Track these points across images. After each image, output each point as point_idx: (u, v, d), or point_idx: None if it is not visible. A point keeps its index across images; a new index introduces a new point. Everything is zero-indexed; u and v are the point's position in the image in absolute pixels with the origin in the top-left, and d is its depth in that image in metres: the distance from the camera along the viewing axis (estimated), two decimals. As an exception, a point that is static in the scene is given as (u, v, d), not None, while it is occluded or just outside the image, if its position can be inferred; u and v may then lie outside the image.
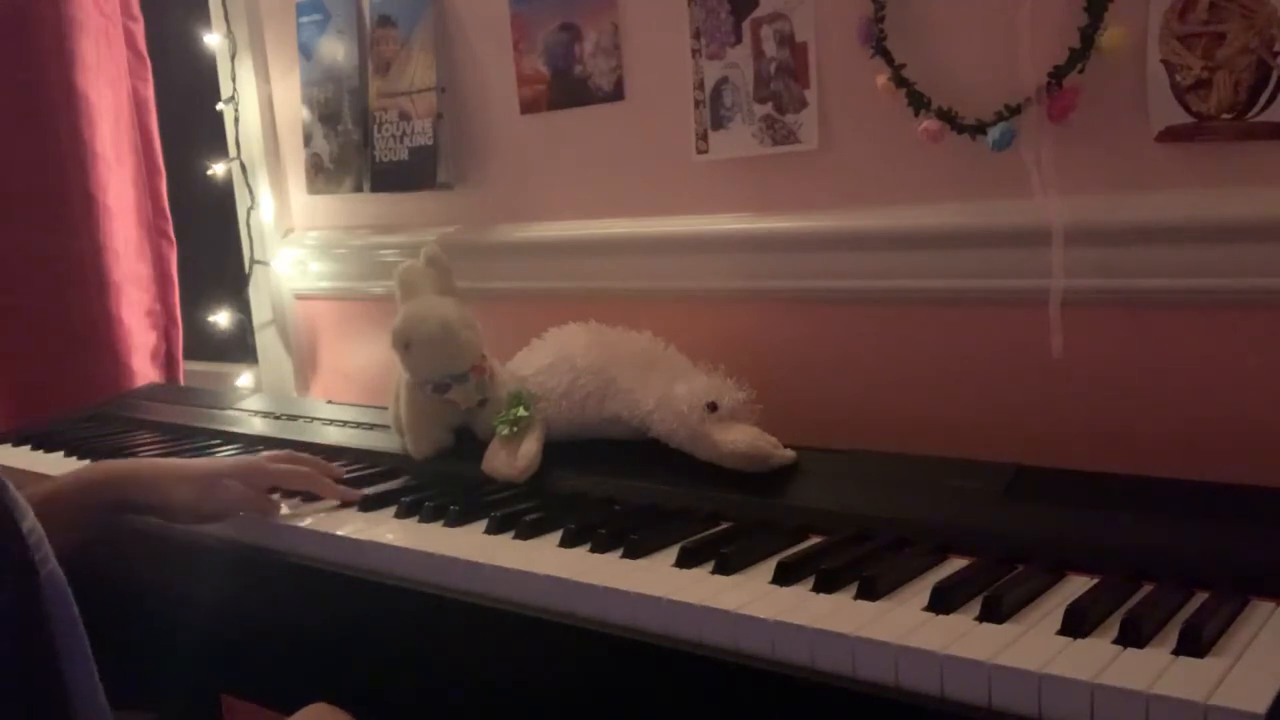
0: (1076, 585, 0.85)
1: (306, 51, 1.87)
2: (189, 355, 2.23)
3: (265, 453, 1.25)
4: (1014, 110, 1.16)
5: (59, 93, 2.01)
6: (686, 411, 1.16)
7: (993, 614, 0.79)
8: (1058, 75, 1.13)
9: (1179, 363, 1.14)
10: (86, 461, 1.51)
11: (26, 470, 1.50)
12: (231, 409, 1.75)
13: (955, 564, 0.92)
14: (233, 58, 1.98)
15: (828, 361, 1.37)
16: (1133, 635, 0.74)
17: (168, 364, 2.18)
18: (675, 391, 1.18)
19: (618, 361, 1.26)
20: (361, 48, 1.79)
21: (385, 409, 1.41)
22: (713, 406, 1.15)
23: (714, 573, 0.93)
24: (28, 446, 1.64)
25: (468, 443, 1.33)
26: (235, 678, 1.34)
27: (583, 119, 1.55)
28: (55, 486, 1.14)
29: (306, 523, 1.15)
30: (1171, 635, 0.74)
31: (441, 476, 1.27)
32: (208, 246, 2.20)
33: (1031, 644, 0.75)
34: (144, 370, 2.12)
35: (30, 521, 0.74)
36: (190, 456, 1.45)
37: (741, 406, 1.17)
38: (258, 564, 1.17)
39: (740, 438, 1.13)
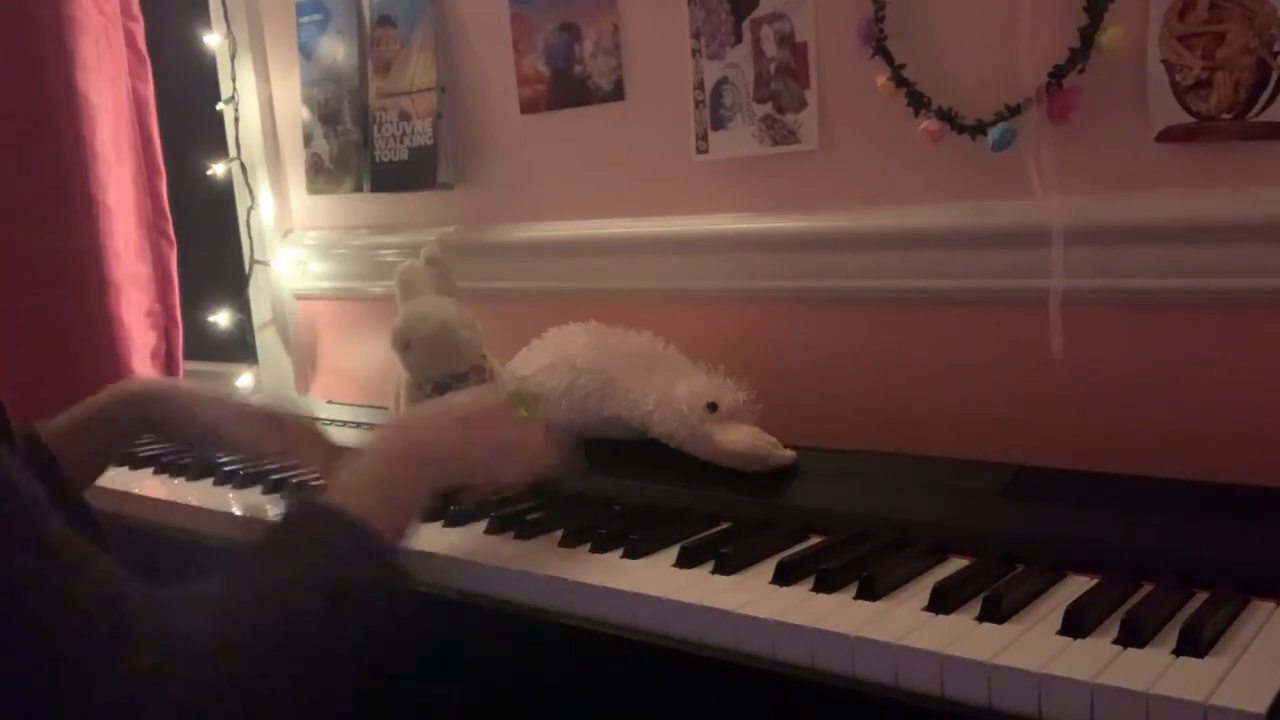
0: (1076, 585, 0.85)
1: (306, 51, 1.87)
2: (189, 355, 2.22)
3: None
4: (1014, 110, 1.16)
5: (59, 93, 2.01)
6: (686, 411, 1.16)
7: (993, 614, 0.79)
8: (1058, 75, 1.13)
9: (1179, 363, 1.14)
10: (86, 461, 1.51)
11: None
12: (231, 409, 1.75)
13: (955, 564, 0.92)
14: (233, 58, 1.98)
15: (828, 361, 1.37)
16: (1133, 635, 0.74)
17: (168, 364, 2.18)
18: (675, 391, 1.18)
19: (618, 361, 1.26)
20: (361, 48, 1.79)
21: (385, 409, 1.41)
22: (713, 406, 1.15)
23: (714, 573, 0.93)
24: (28, 446, 1.64)
25: (468, 443, 1.32)
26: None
27: (583, 119, 1.55)
28: (84, 415, 1.12)
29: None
30: (1171, 635, 0.74)
31: (441, 476, 1.26)
32: (208, 246, 2.20)
33: (1031, 644, 0.75)
34: (144, 370, 2.12)
35: None
36: (191, 457, 1.45)
37: (741, 406, 1.17)
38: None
39: (740, 438, 1.13)
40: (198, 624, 0.68)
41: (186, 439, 1.16)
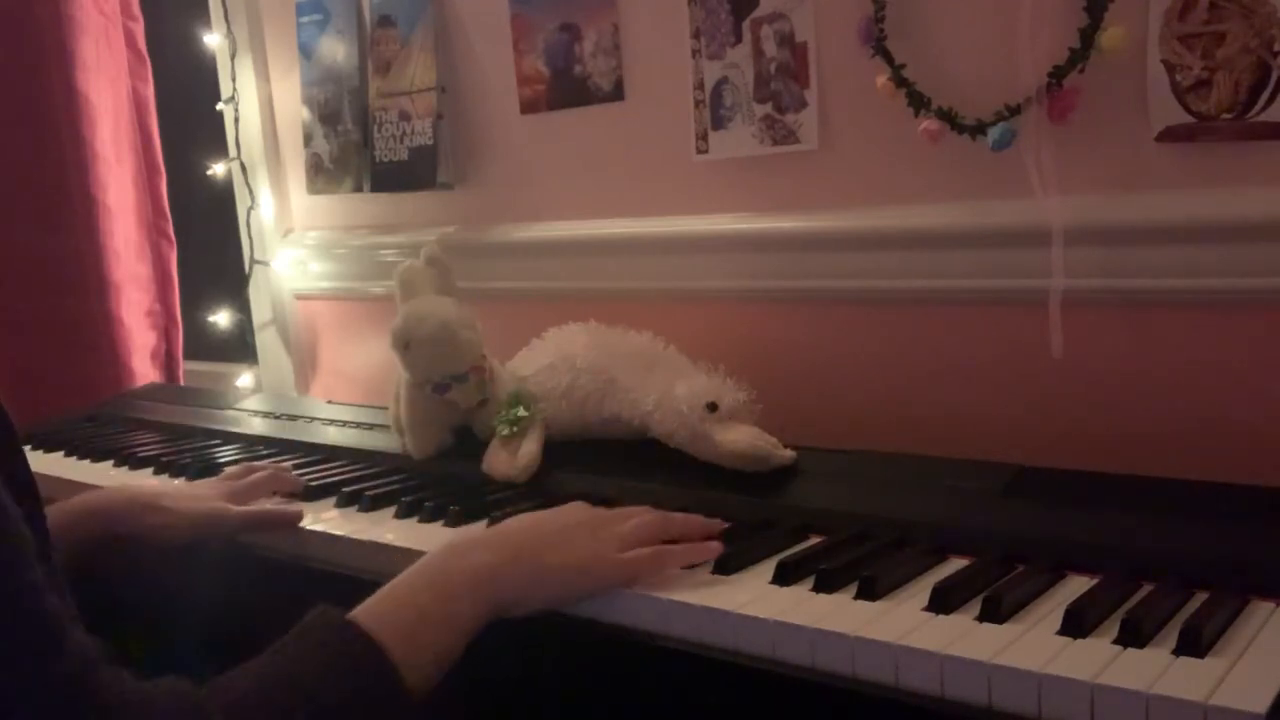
0: (1076, 585, 0.85)
1: (306, 51, 1.88)
2: (189, 355, 2.23)
3: (226, 471, 1.27)
4: (1014, 110, 1.16)
5: (59, 93, 2.02)
6: (686, 411, 1.16)
7: (993, 614, 0.79)
8: (1058, 75, 1.13)
9: (1179, 363, 1.14)
10: (86, 462, 1.51)
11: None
12: (231, 409, 1.75)
13: (955, 564, 0.92)
14: (233, 58, 1.98)
15: (828, 361, 1.37)
16: (1133, 635, 0.74)
17: (168, 364, 2.18)
18: (675, 391, 1.18)
19: (618, 361, 1.26)
20: (361, 48, 1.79)
21: (385, 409, 1.41)
22: (713, 406, 1.15)
23: (714, 573, 0.93)
24: (28, 447, 1.63)
25: (468, 443, 1.33)
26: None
27: (583, 119, 1.55)
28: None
29: (306, 524, 1.15)
30: (1171, 635, 0.74)
31: (441, 476, 1.26)
32: (208, 246, 2.20)
33: (1031, 644, 0.75)
34: (144, 370, 2.12)
35: None
36: (191, 457, 1.45)
37: (741, 406, 1.17)
38: (255, 565, 1.16)
39: (740, 438, 1.13)
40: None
41: (151, 543, 1.12)
